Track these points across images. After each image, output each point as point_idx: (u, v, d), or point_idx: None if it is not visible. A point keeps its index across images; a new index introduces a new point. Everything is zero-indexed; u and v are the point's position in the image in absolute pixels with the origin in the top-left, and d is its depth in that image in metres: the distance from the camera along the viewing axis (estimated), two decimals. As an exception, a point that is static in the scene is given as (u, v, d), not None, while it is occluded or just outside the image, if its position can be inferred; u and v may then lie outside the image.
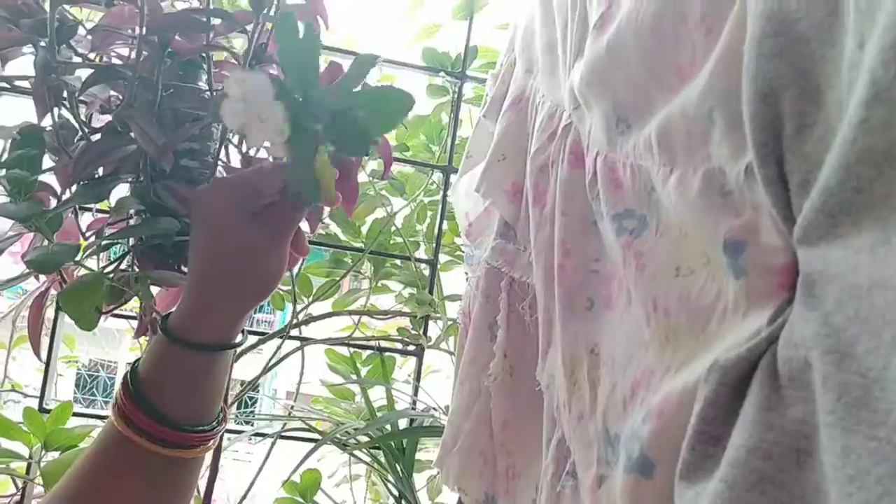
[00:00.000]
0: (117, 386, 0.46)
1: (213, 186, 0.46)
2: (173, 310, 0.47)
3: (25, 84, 0.54)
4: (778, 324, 0.27)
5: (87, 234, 0.55)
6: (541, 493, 0.48)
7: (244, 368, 0.85)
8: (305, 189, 0.41)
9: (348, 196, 0.47)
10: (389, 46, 0.95)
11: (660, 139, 0.39)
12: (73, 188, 0.51)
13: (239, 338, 0.48)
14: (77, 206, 0.56)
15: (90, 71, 0.50)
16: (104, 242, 0.52)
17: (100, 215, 0.60)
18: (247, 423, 1.24)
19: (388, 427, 0.82)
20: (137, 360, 0.48)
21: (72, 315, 0.47)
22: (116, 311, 0.69)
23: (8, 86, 0.68)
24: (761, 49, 0.26)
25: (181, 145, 0.52)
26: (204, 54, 0.53)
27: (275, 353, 0.84)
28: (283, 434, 0.85)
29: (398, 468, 0.85)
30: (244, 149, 0.54)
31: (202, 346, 0.45)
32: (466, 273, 0.94)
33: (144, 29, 0.48)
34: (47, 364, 0.83)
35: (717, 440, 0.28)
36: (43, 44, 0.48)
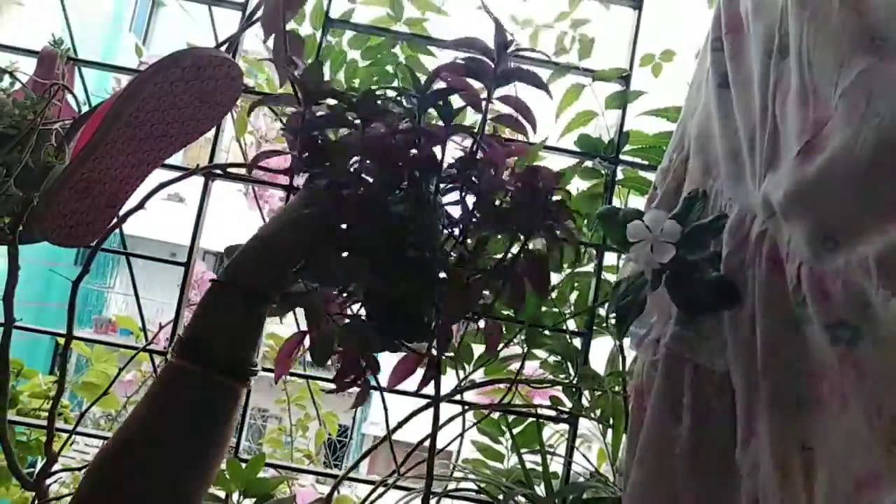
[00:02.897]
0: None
1: None
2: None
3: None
4: None
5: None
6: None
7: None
8: None
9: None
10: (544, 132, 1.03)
11: (880, 264, 0.43)
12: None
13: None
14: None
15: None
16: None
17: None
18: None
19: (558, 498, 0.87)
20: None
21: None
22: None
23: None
24: None
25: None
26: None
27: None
28: (450, 494, 0.91)
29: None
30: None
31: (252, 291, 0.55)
32: (621, 346, 0.99)
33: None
34: (243, 416, 0.93)
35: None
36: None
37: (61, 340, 1.12)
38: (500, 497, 0.86)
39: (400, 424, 0.88)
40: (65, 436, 0.88)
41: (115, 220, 0.83)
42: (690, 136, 0.75)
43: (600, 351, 1.06)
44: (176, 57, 0.75)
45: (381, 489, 0.88)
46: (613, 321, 0.88)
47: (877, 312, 0.45)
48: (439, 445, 0.97)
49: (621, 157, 1.00)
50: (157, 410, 0.52)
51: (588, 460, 0.97)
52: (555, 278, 1.04)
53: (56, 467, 0.80)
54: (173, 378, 0.53)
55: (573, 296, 1.04)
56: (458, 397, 0.94)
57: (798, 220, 0.51)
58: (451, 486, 0.92)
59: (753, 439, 0.54)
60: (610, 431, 1.00)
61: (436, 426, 0.71)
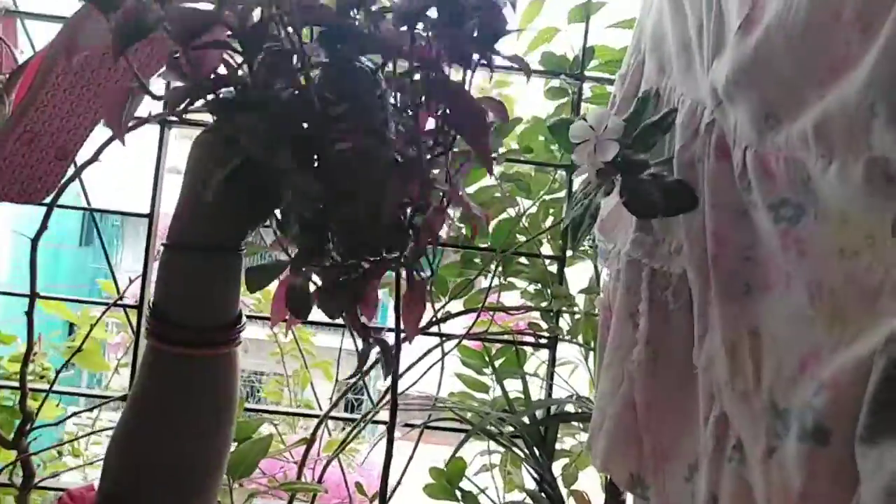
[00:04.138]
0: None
1: None
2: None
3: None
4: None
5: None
6: (701, 468, 0.51)
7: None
8: None
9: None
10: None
11: (816, 133, 0.41)
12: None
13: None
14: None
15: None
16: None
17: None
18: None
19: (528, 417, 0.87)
20: None
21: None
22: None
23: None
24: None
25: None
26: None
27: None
28: (430, 425, 0.91)
29: (538, 454, 0.89)
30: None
31: (194, 246, 0.49)
32: (597, 266, 0.98)
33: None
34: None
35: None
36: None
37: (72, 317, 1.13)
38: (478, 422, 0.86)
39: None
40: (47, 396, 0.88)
41: (68, 173, 0.81)
42: (646, 37, 0.73)
43: (583, 276, 1.05)
44: (108, -4, 0.73)
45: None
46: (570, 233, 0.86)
47: (818, 186, 0.43)
48: (422, 379, 0.98)
49: (587, 73, 0.97)
50: (144, 392, 0.50)
51: (568, 384, 0.96)
52: (528, 206, 1.02)
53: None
54: (152, 359, 0.50)
55: (548, 222, 1.03)
56: (434, 329, 0.94)
57: (741, 100, 0.49)
58: (434, 416, 0.93)
59: (708, 334, 0.53)
60: (592, 355, 0.99)
61: (397, 353, 0.70)
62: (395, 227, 0.49)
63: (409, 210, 0.49)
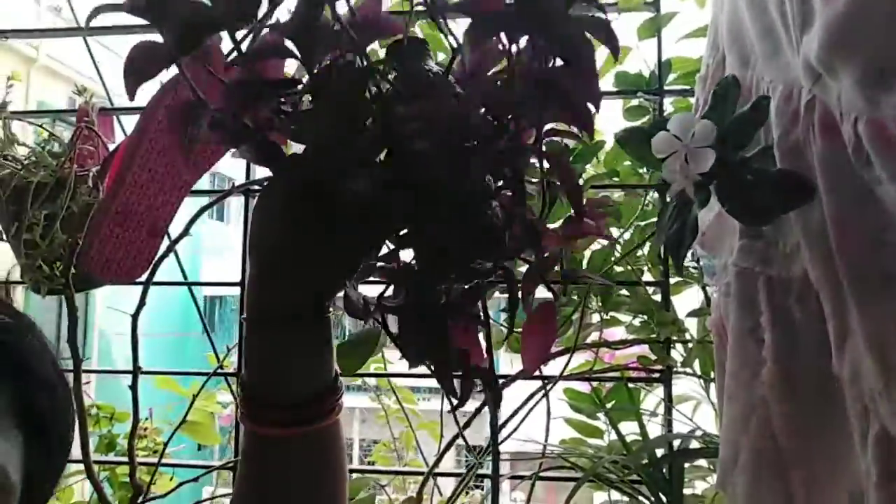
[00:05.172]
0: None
1: None
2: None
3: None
4: None
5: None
6: (868, 498, 0.43)
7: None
8: None
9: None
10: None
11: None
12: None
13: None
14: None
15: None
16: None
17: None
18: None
19: (647, 457, 0.79)
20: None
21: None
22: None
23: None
24: None
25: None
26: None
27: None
28: (541, 476, 0.85)
29: (665, 501, 0.81)
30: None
31: (271, 318, 0.44)
32: (705, 288, 0.90)
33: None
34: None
35: None
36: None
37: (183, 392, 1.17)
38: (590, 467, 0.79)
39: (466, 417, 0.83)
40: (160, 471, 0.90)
41: (160, 249, 0.84)
42: (722, 33, 0.67)
43: (691, 303, 0.97)
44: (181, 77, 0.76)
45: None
46: (669, 255, 0.79)
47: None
48: (529, 429, 0.92)
49: (666, 87, 0.92)
50: (247, 479, 0.48)
51: (692, 420, 0.88)
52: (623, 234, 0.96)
53: None
54: (249, 443, 0.47)
55: (645, 248, 0.96)
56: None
57: (843, 67, 0.43)
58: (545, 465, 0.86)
59: (849, 339, 0.46)
60: (713, 386, 0.90)
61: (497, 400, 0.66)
62: (485, 227, 0.40)
63: (497, 209, 0.41)
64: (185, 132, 0.41)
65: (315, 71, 0.40)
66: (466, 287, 0.44)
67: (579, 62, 0.38)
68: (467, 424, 0.86)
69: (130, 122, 1.05)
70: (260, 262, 0.45)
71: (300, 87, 0.41)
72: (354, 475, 0.93)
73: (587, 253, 0.94)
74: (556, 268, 0.47)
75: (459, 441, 0.86)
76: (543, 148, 0.42)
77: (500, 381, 0.52)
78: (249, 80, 0.41)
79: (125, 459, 0.86)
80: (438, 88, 0.40)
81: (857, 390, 0.45)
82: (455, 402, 0.46)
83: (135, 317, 0.84)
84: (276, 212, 0.44)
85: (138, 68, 0.39)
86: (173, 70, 0.41)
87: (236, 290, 0.97)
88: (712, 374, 0.90)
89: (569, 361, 0.86)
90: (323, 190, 0.41)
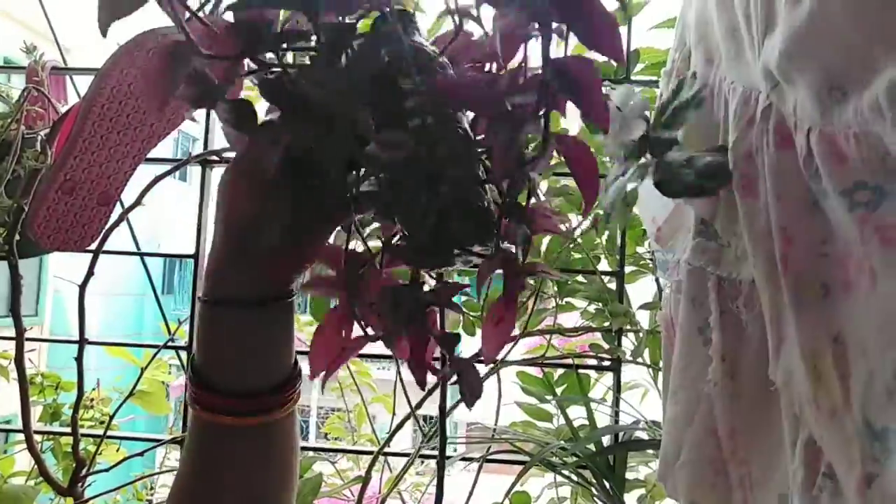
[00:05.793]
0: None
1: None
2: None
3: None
4: None
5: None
6: (793, 500, 0.44)
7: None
8: None
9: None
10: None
11: (891, 97, 0.35)
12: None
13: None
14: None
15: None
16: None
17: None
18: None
19: (594, 445, 0.81)
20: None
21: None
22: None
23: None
24: None
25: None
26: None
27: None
28: (489, 458, 0.86)
29: (608, 486, 0.83)
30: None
31: (234, 301, 0.42)
32: (658, 280, 0.92)
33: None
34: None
35: None
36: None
37: (136, 361, 1.15)
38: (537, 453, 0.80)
39: (422, 399, 0.83)
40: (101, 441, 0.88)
41: (110, 218, 0.82)
42: (690, 28, 0.67)
43: (645, 293, 0.99)
44: (138, 40, 0.73)
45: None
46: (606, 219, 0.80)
47: (897, 161, 0.37)
48: (467, 416, 0.92)
49: (633, 77, 0.92)
50: (192, 468, 0.45)
51: (637, 410, 0.89)
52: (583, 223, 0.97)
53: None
54: (198, 431, 0.44)
55: (604, 237, 0.97)
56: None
57: (799, 76, 0.43)
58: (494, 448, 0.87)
59: (784, 345, 0.47)
60: (661, 375, 0.92)
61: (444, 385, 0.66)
62: (481, 211, 0.38)
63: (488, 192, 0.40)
64: (171, 77, 0.38)
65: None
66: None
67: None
68: (419, 405, 0.86)
69: (82, 82, 1.01)
70: (228, 239, 0.42)
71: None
72: (308, 453, 0.92)
73: (545, 240, 0.94)
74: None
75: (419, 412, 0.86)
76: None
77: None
78: (254, 23, 0.38)
79: (69, 430, 0.85)
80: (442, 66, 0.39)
81: (788, 395, 0.46)
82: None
83: (82, 287, 0.82)
84: (255, 184, 0.41)
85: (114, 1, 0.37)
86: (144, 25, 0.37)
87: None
88: (661, 364, 0.92)
89: (514, 344, 0.86)
90: (313, 162, 0.38)
